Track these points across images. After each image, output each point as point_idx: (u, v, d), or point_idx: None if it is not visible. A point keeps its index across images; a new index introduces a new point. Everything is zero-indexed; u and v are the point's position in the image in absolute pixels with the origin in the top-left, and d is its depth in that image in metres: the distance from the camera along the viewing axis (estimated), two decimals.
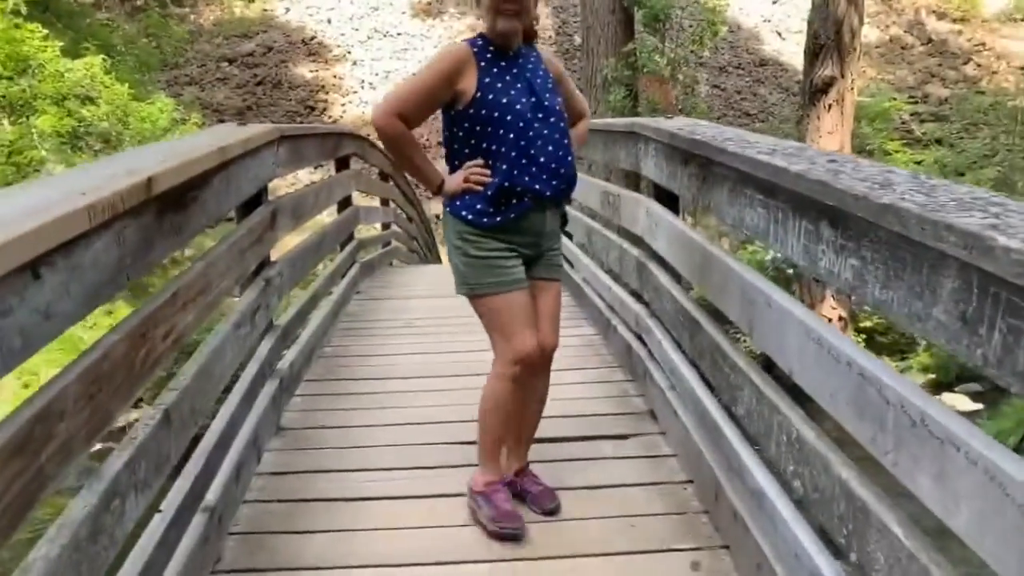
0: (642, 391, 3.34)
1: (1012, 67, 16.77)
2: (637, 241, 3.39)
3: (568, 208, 2.60)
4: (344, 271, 5.21)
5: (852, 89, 11.17)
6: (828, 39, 10.92)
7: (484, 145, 2.28)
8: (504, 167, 2.26)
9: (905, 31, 17.68)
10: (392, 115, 2.26)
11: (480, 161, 2.29)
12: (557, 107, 2.34)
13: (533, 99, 2.28)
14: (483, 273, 2.34)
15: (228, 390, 2.65)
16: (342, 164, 5.26)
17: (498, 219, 2.30)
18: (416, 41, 17.63)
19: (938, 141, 14.57)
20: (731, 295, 2.24)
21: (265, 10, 18.31)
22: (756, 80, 16.73)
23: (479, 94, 2.24)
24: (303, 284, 4.73)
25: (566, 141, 2.35)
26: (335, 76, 16.95)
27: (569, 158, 2.36)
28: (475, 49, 2.30)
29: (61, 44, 12.41)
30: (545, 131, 2.28)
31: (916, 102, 15.77)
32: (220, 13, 18.19)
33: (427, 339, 4.31)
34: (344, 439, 3.06)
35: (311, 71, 16.93)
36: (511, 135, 2.24)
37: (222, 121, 15.59)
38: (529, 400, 2.50)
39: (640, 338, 3.39)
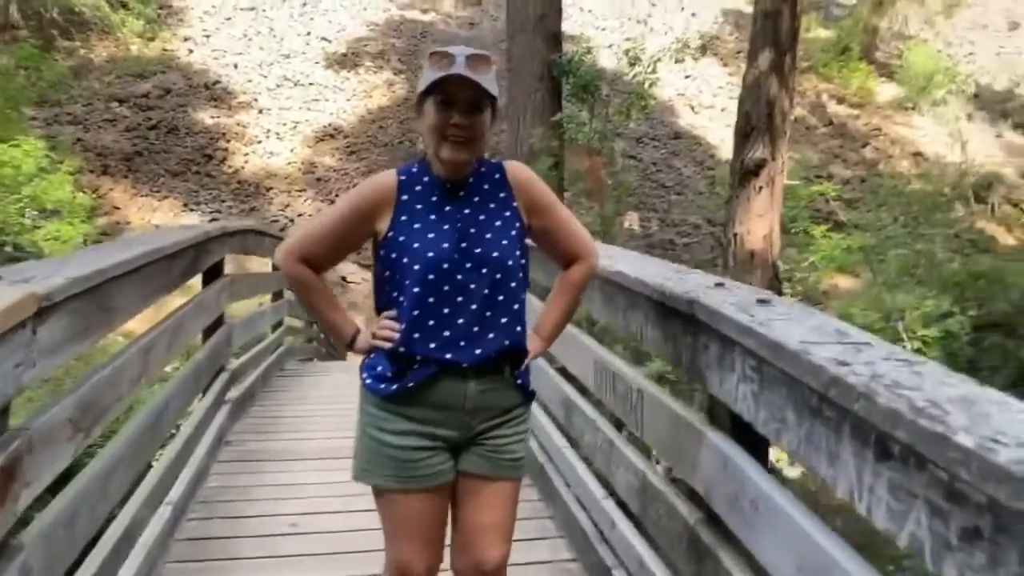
0: None
1: (905, 152, 16.58)
2: (682, 481, 1.89)
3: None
4: (206, 424, 3.46)
5: (782, 172, 10.25)
6: (760, 121, 9.96)
7: (394, 295, 1.74)
8: (405, 327, 1.70)
9: (808, 112, 17.30)
10: (295, 259, 1.75)
11: (393, 313, 1.74)
12: (495, 255, 1.71)
13: (463, 244, 1.71)
14: (374, 459, 1.74)
15: None
16: (211, 275, 3.56)
17: (394, 387, 1.71)
18: (329, 92, 15.91)
19: (844, 223, 13.99)
20: None
21: (165, 50, 16.19)
22: (671, 152, 15.86)
23: (390, 234, 1.72)
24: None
25: (501, 297, 1.72)
26: (239, 124, 14.99)
27: (504, 319, 1.72)
28: (402, 178, 1.77)
29: None
30: (471, 285, 1.69)
31: (822, 182, 15.23)
32: (115, 50, 15.94)
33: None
34: None
35: (212, 117, 14.90)
36: (416, 289, 1.68)
37: (106, 167, 13.38)
38: None
39: None
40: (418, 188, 1.75)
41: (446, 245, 1.69)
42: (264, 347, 5.06)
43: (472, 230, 1.72)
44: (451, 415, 1.72)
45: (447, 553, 1.84)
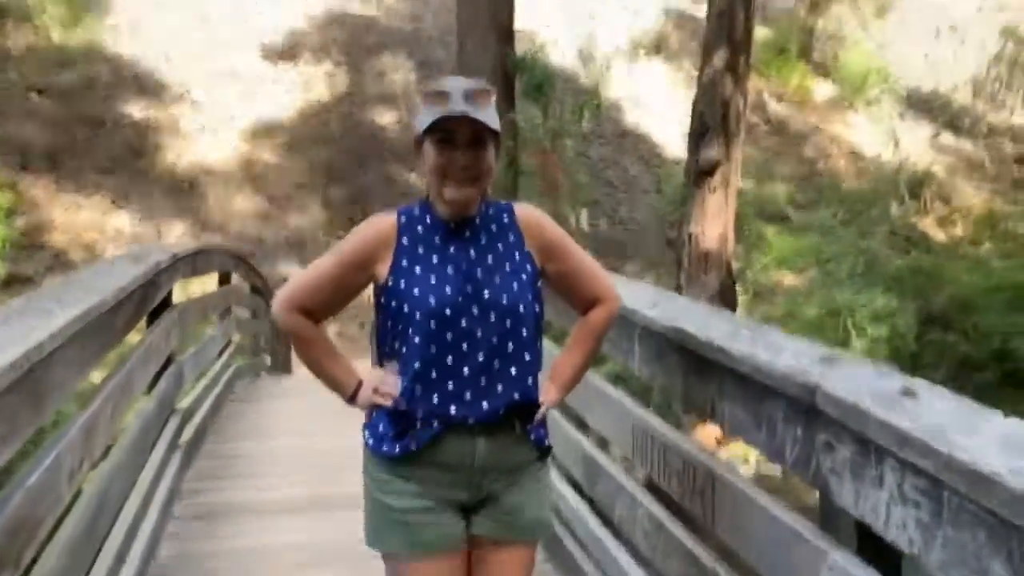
0: None
1: (843, 150, 16.80)
2: None
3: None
4: (157, 482, 2.93)
5: (736, 172, 10.10)
6: (714, 121, 9.77)
7: (396, 346, 1.59)
8: (407, 381, 1.56)
9: (750, 111, 17.33)
10: (291, 309, 1.61)
11: (395, 366, 1.60)
12: (505, 300, 1.57)
13: (469, 289, 1.56)
14: (383, 524, 1.62)
15: None
16: (158, 309, 3.01)
17: (397, 448, 1.57)
18: (267, 85, 15.07)
19: (788, 219, 14.05)
20: None
21: (89, 39, 15.04)
22: (618, 150, 15.65)
23: (390, 281, 1.59)
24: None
25: (511, 347, 1.57)
26: (171, 117, 14.04)
27: (514, 371, 1.57)
28: (403, 220, 1.64)
29: None
30: (477, 333, 1.55)
31: (765, 180, 15.28)
32: (34, 38, 14.71)
33: None
34: None
35: (142, 110, 13.91)
36: (417, 339, 1.54)
37: (25, 163, 12.36)
38: None
39: None
40: (419, 229, 1.62)
41: (449, 290, 1.56)
42: (213, 376, 4.50)
43: (479, 273, 1.59)
44: (459, 476, 1.60)
45: None
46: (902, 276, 11.73)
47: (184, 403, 3.51)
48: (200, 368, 4.13)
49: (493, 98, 1.58)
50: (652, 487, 2.05)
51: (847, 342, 10.11)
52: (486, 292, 1.57)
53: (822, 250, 10.39)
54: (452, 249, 1.60)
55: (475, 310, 1.56)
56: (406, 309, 1.56)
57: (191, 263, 3.53)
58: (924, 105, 17.66)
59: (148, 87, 14.36)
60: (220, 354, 4.88)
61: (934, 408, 1.25)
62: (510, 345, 1.57)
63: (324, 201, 13.42)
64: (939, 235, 14.93)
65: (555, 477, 2.75)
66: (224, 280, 5.09)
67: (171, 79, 14.66)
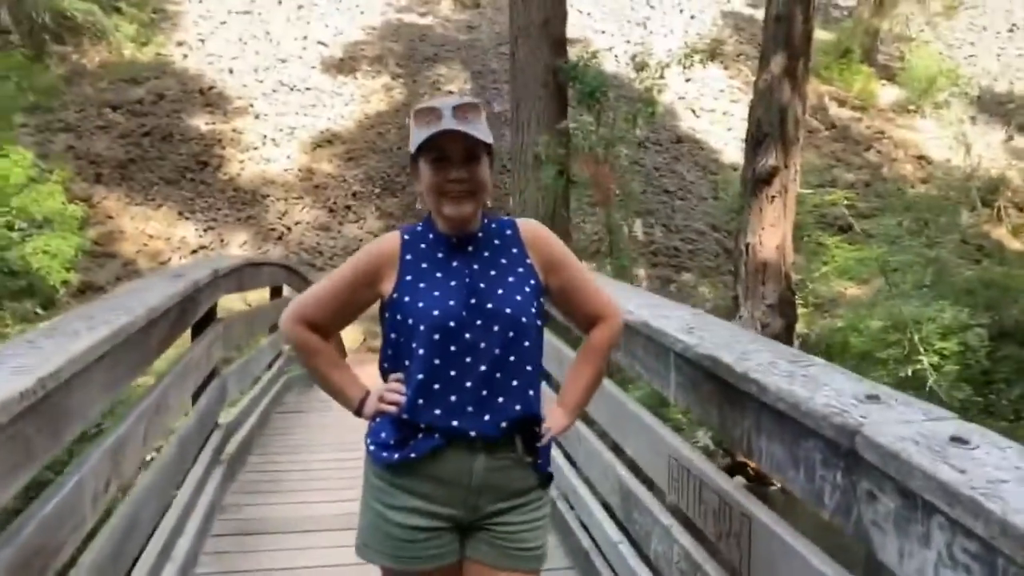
0: None
1: (909, 156, 16.14)
2: None
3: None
4: (196, 496, 2.94)
5: (795, 180, 9.78)
6: (772, 128, 9.47)
7: (401, 359, 1.60)
8: (410, 393, 1.56)
9: (810, 115, 16.82)
10: (297, 322, 1.64)
11: (401, 376, 1.60)
12: (508, 311, 1.56)
13: (472, 301, 1.56)
14: (375, 535, 1.60)
15: None
16: (201, 324, 3.05)
17: (396, 456, 1.56)
18: (326, 97, 15.35)
19: (851, 228, 13.55)
20: None
21: (159, 54, 15.60)
22: (674, 157, 15.38)
23: (395, 295, 1.60)
24: None
25: (513, 358, 1.56)
26: (234, 130, 14.42)
27: (515, 382, 1.55)
28: (406, 238, 1.65)
29: None
30: (481, 344, 1.54)
31: (827, 188, 14.77)
32: (108, 55, 15.33)
33: None
34: None
35: (207, 123, 14.33)
36: (421, 351, 1.54)
37: (99, 176, 12.84)
38: None
39: None
40: (423, 246, 1.64)
41: (453, 302, 1.56)
42: (261, 388, 4.51)
43: (482, 285, 1.59)
44: (455, 492, 1.57)
45: None
46: (973, 287, 11.15)
47: (228, 417, 3.53)
48: (246, 381, 4.15)
49: (484, 112, 1.59)
50: (689, 523, 1.93)
51: (912, 357, 9.65)
52: (489, 304, 1.57)
53: (887, 260, 9.93)
54: (455, 263, 1.61)
55: (478, 322, 1.56)
56: (411, 322, 1.56)
57: (236, 279, 3.56)
58: (997, 107, 16.85)
59: (213, 101, 14.80)
60: (270, 366, 4.92)
61: (988, 459, 1.11)
62: (512, 356, 1.56)
63: (379, 210, 13.55)
64: (1014, 244, 14.19)
65: (592, 503, 2.64)
66: (276, 293, 5.15)
67: (234, 93, 15.08)
